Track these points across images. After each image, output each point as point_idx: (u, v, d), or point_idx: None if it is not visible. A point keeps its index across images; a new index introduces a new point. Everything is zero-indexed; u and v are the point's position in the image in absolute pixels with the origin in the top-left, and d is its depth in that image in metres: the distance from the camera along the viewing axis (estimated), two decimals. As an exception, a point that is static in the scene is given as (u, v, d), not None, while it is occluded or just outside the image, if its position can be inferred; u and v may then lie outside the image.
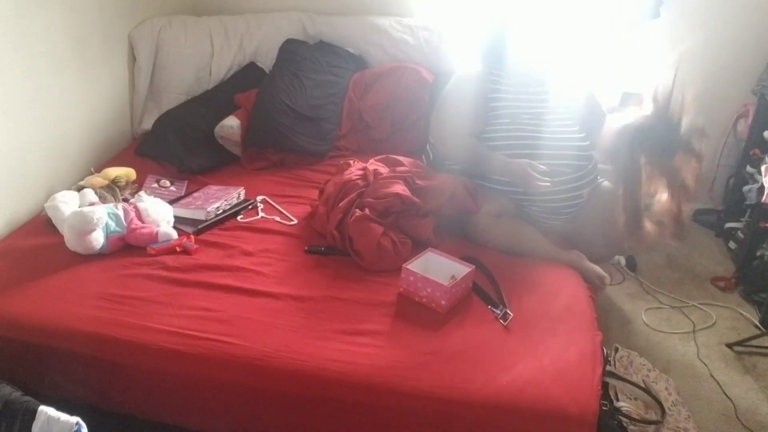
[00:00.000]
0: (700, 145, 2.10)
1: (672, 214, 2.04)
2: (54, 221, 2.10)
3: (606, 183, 2.33)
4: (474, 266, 1.91)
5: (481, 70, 2.26)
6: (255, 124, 2.69)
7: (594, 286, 2.18)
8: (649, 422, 1.83)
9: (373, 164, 2.29)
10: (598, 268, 2.18)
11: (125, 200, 2.29)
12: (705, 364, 2.32)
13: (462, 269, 1.89)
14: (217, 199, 2.28)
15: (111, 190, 2.32)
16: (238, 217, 2.27)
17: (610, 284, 2.57)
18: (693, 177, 2.05)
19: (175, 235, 2.12)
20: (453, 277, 1.86)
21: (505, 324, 1.78)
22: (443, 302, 1.81)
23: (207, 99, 2.91)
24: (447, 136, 2.28)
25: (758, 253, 2.68)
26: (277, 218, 2.27)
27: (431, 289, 1.82)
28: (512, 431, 1.57)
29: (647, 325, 2.52)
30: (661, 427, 1.86)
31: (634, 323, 2.53)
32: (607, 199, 2.23)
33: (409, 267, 1.87)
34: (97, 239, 2.01)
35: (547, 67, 2.26)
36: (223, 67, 3.01)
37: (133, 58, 2.90)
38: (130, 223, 2.08)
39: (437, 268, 1.91)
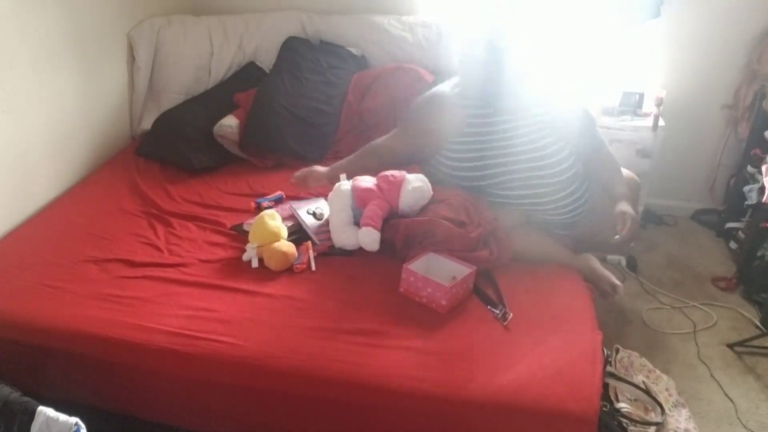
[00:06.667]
0: None
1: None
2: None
3: None
4: (475, 267, 1.90)
5: (451, 93, 2.15)
6: (251, 125, 2.68)
7: (605, 293, 2.18)
8: (650, 423, 1.82)
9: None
10: (611, 276, 2.18)
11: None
12: (706, 365, 2.32)
13: (463, 270, 1.88)
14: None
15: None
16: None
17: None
18: None
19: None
20: (454, 277, 1.85)
21: (504, 324, 1.77)
22: (444, 302, 1.80)
23: (206, 99, 2.91)
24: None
25: (759, 253, 2.67)
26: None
27: (432, 290, 1.82)
28: (513, 430, 1.57)
29: (648, 326, 2.51)
30: (661, 428, 1.85)
31: (634, 324, 2.53)
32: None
33: (409, 267, 1.87)
34: None
35: (522, 93, 2.10)
36: (222, 66, 3.00)
37: (132, 58, 2.90)
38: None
39: (438, 269, 1.91)
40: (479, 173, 2.10)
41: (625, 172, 2.27)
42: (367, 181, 2.12)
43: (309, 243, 2.08)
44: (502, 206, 2.13)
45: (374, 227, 2.00)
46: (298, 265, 1.99)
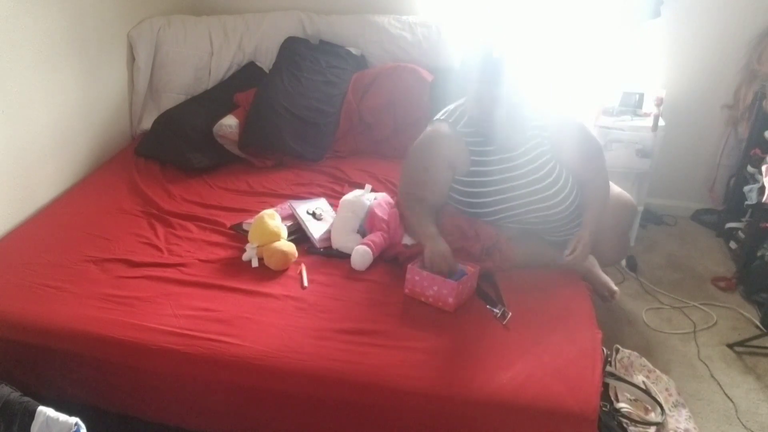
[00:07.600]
0: None
1: None
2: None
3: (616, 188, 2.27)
4: (478, 266, 1.90)
5: (451, 132, 2.04)
6: (250, 125, 2.69)
7: (602, 298, 2.18)
8: (650, 423, 1.82)
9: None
10: (610, 282, 2.18)
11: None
12: (706, 365, 2.31)
13: (465, 269, 1.88)
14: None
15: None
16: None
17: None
18: None
19: None
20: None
21: (504, 323, 1.77)
22: (451, 300, 1.80)
23: (206, 98, 2.91)
24: (403, 194, 2.15)
25: (759, 253, 2.67)
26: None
27: (438, 288, 1.81)
28: (513, 428, 1.57)
29: (648, 326, 2.51)
30: (661, 428, 1.85)
31: (634, 324, 2.53)
32: (615, 207, 2.20)
33: (414, 267, 1.86)
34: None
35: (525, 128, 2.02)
36: (222, 66, 3.00)
37: (132, 58, 2.90)
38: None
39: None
40: (482, 209, 2.06)
41: (625, 197, 2.25)
42: (384, 210, 2.13)
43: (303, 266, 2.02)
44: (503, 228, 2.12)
45: (373, 251, 2.00)
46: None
